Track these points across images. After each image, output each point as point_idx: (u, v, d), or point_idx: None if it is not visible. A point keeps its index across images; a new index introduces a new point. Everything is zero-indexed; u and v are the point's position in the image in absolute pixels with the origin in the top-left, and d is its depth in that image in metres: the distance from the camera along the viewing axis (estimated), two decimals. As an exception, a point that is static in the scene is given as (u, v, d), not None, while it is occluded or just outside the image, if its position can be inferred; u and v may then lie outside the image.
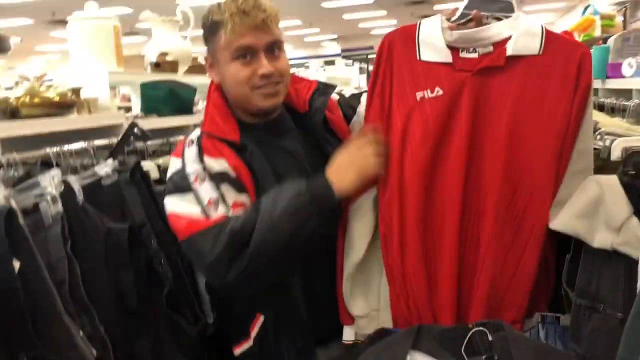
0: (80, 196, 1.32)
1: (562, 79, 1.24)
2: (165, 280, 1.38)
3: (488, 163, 1.28)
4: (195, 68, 2.96)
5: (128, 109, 3.13)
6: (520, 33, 1.25)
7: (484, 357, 1.13)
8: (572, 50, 1.26)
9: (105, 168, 1.46)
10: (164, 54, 2.65)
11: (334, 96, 1.52)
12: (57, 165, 1.48)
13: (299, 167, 1.39)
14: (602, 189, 1.20)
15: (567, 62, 1.24)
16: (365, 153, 1.28)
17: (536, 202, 1.26)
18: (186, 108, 2.30)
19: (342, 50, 19.24)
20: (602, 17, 2.81)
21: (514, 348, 1.11)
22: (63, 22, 2.33)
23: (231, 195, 1.27)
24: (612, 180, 1.19)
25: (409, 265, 1.30)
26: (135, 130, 1.65)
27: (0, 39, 1.69)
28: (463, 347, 1.14)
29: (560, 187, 1.26)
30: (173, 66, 2.65)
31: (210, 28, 1.36)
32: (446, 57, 1.28)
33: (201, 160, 1.30)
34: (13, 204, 1.13)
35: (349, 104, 1.55)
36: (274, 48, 1.35)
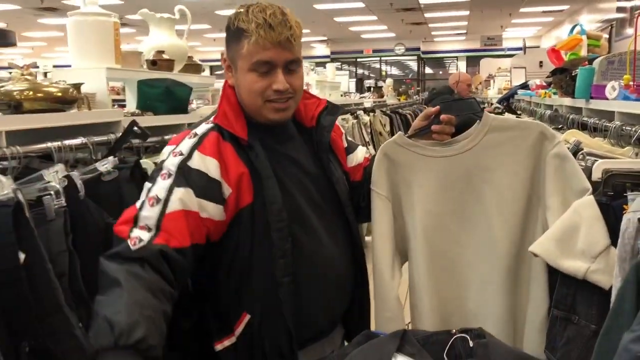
0: (82, 191, 1.36)
1: None
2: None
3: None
4: (190, 67, 2.99)
5: (120, 104, 3.15)
6: None
7: (465, 362, 1.18)
8: None
9: (106, 164, 1.49)
10: (160, 52, 2.68)
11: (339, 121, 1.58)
12: (55, 159, 1.51)
13: (300, 175, 1.45)
14: (580, 216, 1.27)
15: None
16: None
17: None
18: (182, 107, 2.33)
19: (332, 53, 19.29)
20: (589, 37, 2.88)
21: (494, 355, 1.17)
22: (51, 10, 2.35)
23: (188, 199, 1.27)
24: (589, 206, 1.26)
25: None
26: (135, 128, 1.69)
27: (6, 34, 1.70)
28: (445, 352, 1.20)
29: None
30: (169, 64, 2.67)
31: (235, 33, 1.36)
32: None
33: (190, 154, 1.32)
34: (20, 197, 1.16)
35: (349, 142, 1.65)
36: (292, 65, 1.38)
